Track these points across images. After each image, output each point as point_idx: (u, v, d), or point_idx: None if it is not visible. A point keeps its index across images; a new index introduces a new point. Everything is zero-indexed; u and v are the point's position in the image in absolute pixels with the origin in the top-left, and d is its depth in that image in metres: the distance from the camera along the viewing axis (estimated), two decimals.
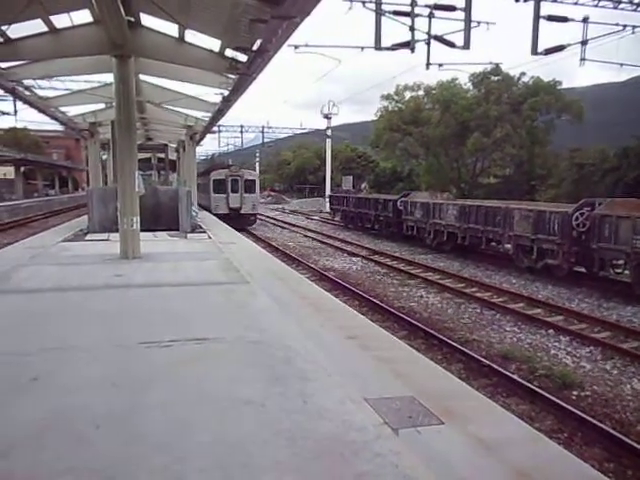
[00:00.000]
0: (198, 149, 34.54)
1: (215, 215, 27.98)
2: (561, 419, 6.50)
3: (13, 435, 3.38)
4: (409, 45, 13.60)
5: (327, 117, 49.91)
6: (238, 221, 27.40)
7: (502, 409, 4.64)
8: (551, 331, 10.18)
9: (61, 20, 11.28)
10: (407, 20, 13.51)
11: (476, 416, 4.09)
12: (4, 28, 10.81)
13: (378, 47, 13.60)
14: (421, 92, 48.08)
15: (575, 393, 7.41)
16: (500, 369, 7.94)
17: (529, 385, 7.37)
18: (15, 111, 17.37)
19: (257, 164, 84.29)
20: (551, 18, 14.56)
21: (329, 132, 51.17)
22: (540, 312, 11.46)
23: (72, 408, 3.83)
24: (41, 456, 3.17)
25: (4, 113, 18.15)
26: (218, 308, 7.01)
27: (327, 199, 43.67)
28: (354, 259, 19.47)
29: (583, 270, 14.85)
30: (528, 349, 9.25)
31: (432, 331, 9.85)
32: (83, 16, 11.27)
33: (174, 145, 32.05)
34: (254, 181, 31.18)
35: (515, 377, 7.68)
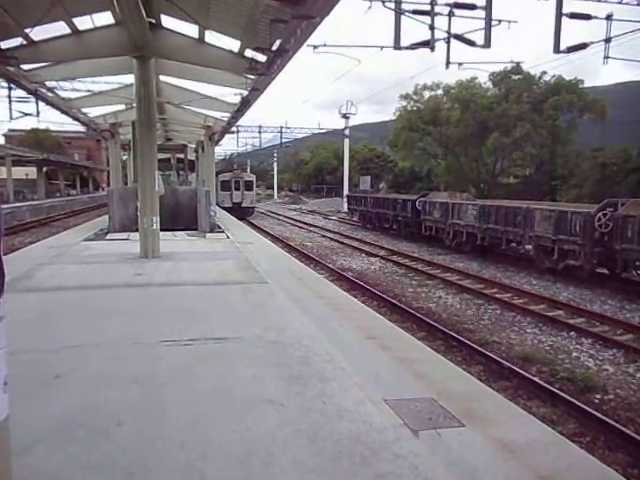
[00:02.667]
0: (216, 149, 35.05)
1: (222, 208, 32.40)
2: (583, 423, 6.39)
3: (38, 431, 3.43)
4: (429, 44, 13.51)
5: (345, 117, 49.83)
6: (239, 212, 33.25)
7: (524, 412, 4.57)
8: (573, 333, 10.03)
9: (83, 22, 11.48)
10: (427, 19, 13.42)
11: (497, 418, 4.04)
12: (27, 30, 11.01)
13: (397, 46, 13.51)
14: (440, 91, 47.83)
15: (598, 396, 7.28)
16: (521, 371, 7.84)
17: (551, 388, 7.27)
18: (37, 112, 17.62)
19: (275, 164, 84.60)
20: (574, 16, 14.33)
21: (347, 132, 51.08)
22: (561, 314, 11.30)
23: (94, 406, 3.88)
24: (65, 452, 3.22)
25: (26, 114, 18.41)
26: (237, 307, 7.05)
27: (345, 199, 43.62)
28: (372, 259, 19.41)
29: (605, 271, 14.62)
30: (549, 351, 9.12)
31: (451, 332, 9.77)
32: (105, 18, 11.45)
33: (193, 145, 32.36)
34: (252, 182, 39.19)
35: (536, 379, 7.58)
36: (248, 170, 53.81)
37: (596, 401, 7.14)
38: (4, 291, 1.71)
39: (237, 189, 37.08)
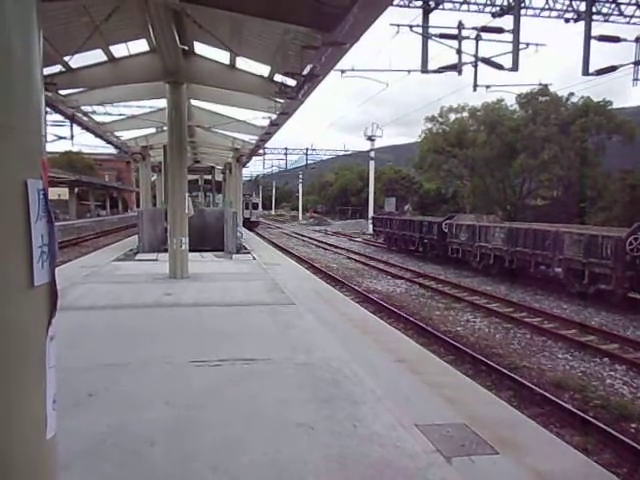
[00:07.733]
0: (243, 171, 35.45)
1: None
2: (619, 453, 6.20)
3: (73, 449, 3.47)
4: (456, 68, 13.59)
5: (370, 139, 50.12)
6: (249, 225, 42.17)
7: (559, 440, 4.48)
8: (606, 359, 9.77)
9: (119, 50, 11.88)
10: (454, 43, 13.54)
11: (531, 446, 3.96)
12: (66, 58, 11.42)
13: (425, 70, 13.62)
14: (465, 114, 47.78)
15: (634, 425, 7.06)
16: (553, 398, 7.66)
17: (584, 416, 7.08)
18: (72, 136, 18.16)
19: (300, 185, 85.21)
20: (602, 38, 14.29)
21: (372, 154, 51.30)
22: (594, 339, 11.03)
23: (127, 425, 3.93)
24: (100, 470, 3.26)
25: (61, 138, 18.98)
26: (265, 329, 7.08)
27: (370, 221, 43.62)
28: (398, 281, 19.28)
29: (638, 296, 14.26)
30: (582, 377, 8.89)
31: (480, 356, 9.62)
32: (140, 45, 11.83)
33: (220, 167, 32.82)
34: (257, 203, 55.55)
35: (569, 407, 7.39)
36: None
37: (632, 430, 6.92)
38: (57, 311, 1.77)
39: (247, 208, 47.55)
